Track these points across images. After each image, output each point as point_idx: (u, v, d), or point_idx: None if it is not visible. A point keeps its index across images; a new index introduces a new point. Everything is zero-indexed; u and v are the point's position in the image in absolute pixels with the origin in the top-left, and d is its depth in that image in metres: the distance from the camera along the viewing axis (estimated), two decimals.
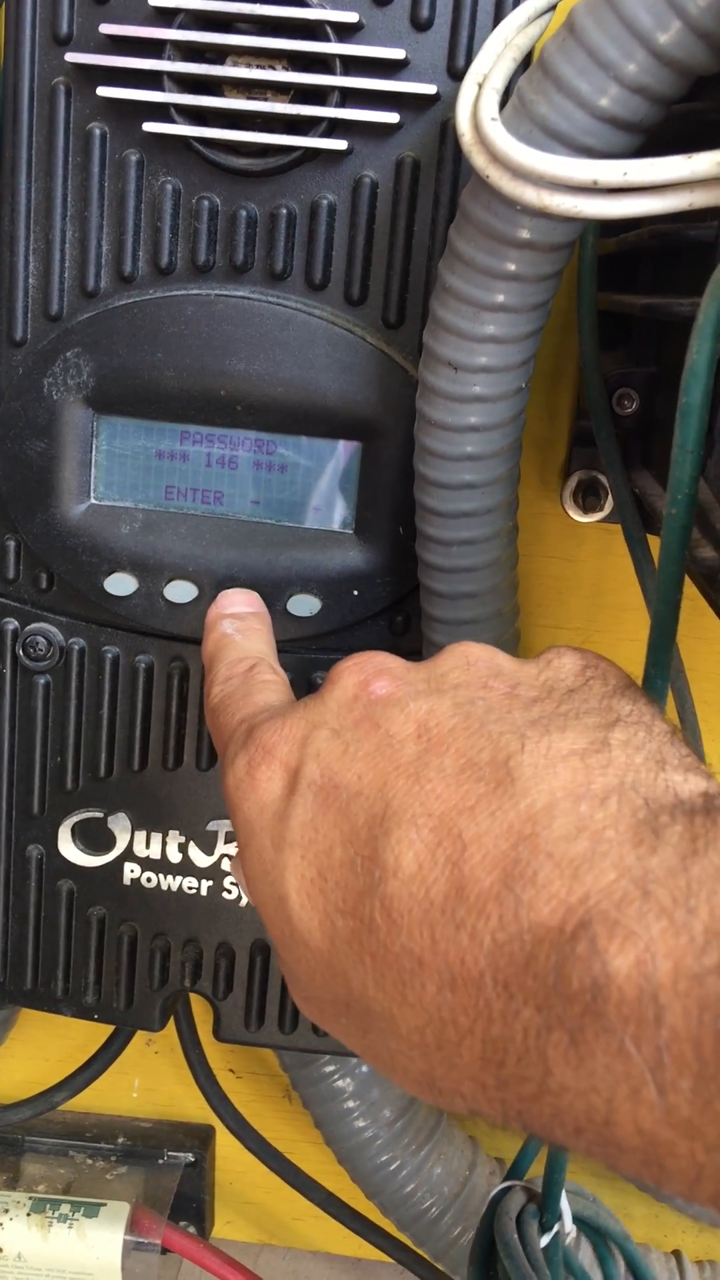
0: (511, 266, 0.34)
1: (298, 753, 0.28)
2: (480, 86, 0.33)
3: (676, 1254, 0.59)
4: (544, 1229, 0.46)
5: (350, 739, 0.27)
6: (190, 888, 0.48)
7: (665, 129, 0.32)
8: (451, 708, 0.27)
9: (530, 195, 0.31)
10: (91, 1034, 0.59)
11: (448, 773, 0.25)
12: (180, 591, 0.44)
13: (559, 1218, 0.46)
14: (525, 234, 0.33)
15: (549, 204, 0.31)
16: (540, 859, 0.22)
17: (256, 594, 0.42)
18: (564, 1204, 0.46)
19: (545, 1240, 0.46)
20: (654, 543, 0.45)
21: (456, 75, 0.40)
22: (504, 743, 0.25)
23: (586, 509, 0.51)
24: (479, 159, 0.32)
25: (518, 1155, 0.49)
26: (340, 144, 0.40)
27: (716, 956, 0.19)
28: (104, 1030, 0.58)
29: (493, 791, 0.24)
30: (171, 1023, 0.56)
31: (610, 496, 0.49)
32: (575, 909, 0.21)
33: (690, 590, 0.34)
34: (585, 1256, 0.51)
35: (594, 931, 0.20)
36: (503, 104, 0.33)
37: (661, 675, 0.33)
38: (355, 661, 0.30)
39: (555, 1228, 0.46)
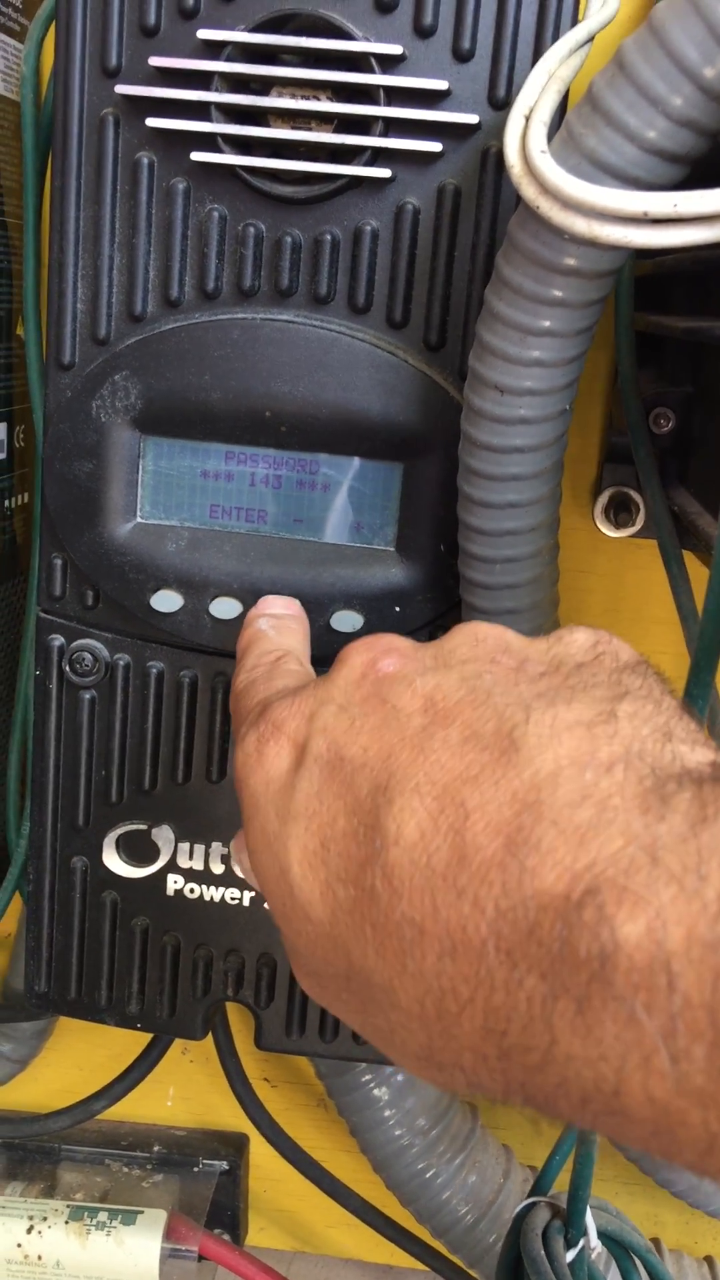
0: (558, 293, 0.35)
1: (305, 728, 0.28)
2: (527, 119, 0.34)
3: (709, 1260, 0.60)
4: (569, 1244, 0.47)
5: (357, 714, 0.27)
6: (233, 898, 0.49)
7: (710, 159, 0.33)
8: (458, 682, 0.26)
9: (580, 226, 0.32)
10: (126, 1044, 0.60)
11: (452, 743, 0.25)
12: (225, 608, 0.45)
13: (584, 1233, 0.47)
14: (572, 261, 0.34)
15: (599, 234, 0.32)
16: (545, 826, 0.22)
17: (297, 601, 0.42)
18: (589, 1219, 0.47)
19: (571, 1256, 0.46)
20: (688, 559, 0.46)
21: (497, 105, 0.41)
22: (509, 714, 0.25)
23: (618, 525, 0.51)
24: (529, 190, 0.33)
25: (542, 1170, 0.50)
26: (384, 172, 0.41)
27: None
28: (139, 1039, 0.58)
29: (497, 760, 0.24)
30: (208, 1033, 0.56)
31: (641, 512, 0.50)
32: (581, 875, 0.21)
33: None
34: (610, 1271, 0.51)
35: (602, 898, 0.20)
36: (549, 135, 0.34)
37: (704, 694, 0.34)
38: (364, 641, 0.30)
39: (581, 1243, 0.47)
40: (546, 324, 0.36)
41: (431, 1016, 0.23)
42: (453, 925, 0.22)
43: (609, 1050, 0.20)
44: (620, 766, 0.22)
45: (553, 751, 0.23)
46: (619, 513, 0.52)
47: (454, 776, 0.24)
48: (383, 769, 0.25)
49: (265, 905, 0.49)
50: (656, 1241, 0.59)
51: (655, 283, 0.45)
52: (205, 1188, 0.63)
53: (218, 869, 0.49)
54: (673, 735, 0.24)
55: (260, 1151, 0.63)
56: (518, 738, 0.24)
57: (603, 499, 0.51)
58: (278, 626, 0.39)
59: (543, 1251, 0.45)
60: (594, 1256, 0.47)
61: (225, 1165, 0.63)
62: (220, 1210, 0.63)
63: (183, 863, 0.49)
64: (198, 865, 0.49)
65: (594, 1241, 0.46)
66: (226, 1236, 0.64)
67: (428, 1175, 0.57)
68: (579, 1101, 0.21)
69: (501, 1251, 0.48)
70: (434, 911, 0.23)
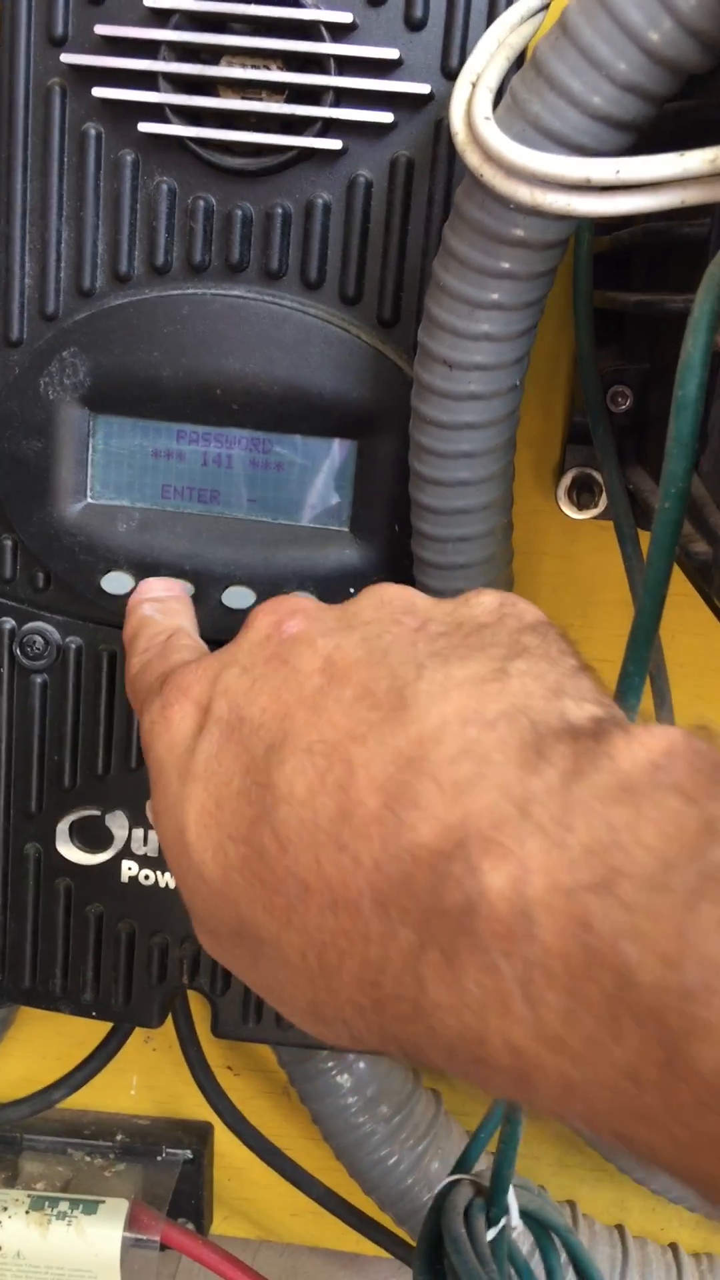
0: (505, 264, 0.34)
1: (208, 690, 0.28)
2: (474, 86, 0.34)
3: (674, 1246, 0.59)
4: (490, 1223, 0.46)
5: (259, 675, 0.27)
6: None
7: (657, 127, 0.32)
8: (358, 642, 0.27)
9: (524, 194, 0.31)
10: (89, 1031, 0.59)
11: (345, 702, 0.25)
12: None
13: (506, 1211, 0.46)
14: (519, 232, 0.33)
15: (542, 202, 0.31)
16: (424, 781, 0.22)
17: (179, 582, 0.41)
18: (511, 1197, 0.46)
19: (492, 1234, 0.46)
20: (646, 539, 0.46)
21: (450, 75, 0.40)
22: (401, 672, 0.25)
23: (581, 506, 0.51)
24: (473, 158, 0.32)
25: (466, 1148, 0.49)
26: (335, 144, 0.40)
27: (591, 873, 0.19)
28: (102, 1028, 0.58)
29: (385, 719, 0.24)
30: (170, 1020, 0.56)
31: (604, 494, 0.50)
32: (454, 829, 0.21)
33: (677, 586, 0.34)
34: (529, 1249, 0.51)
35: (470, 850, 0.21)
36: (496, 103, 0.33)
37: (640, 670, 0.33)
38: (271, 603, 0.30)
39: (502, 1222, 0.46)
40: (494, 296, 0.35)
41: (315, 970, 0.24)
42: (334, 880, 0.23)
43: (471, 999, 0.21)
44: (504, 722, 0.23)
45: (439, 708, 0.23)
46: (581, 494, 0.51)
47: (344, 734, 0.24)
48: (278, 729, 0.25)
49: None
50: (620, 1228, 0.59)
51: (614, 258, 0.44)
52: (169, 1177, 0.62)
53: None
54: (563, 692, 0.24)
55: (224, 1140, 0.63)
56: (408, 695, 0.24)
57: (565, 480, 0.51)
58: (163, 610, 0.38)
59: (464, 1230, 0.45)
60: (514, 1236, 0.47)
61: (189, 1154, 0.63)
62: (184, 1199, 0.63)
63: (137, 849, 0.48)
64: (152, 851, 0.48)
65: (515, 1221, 0.45)
66: (190, 1226, 0.63)
67: (390, 1162, 0.57)
68: (446, 1050, 0.22)
69: (422, 1229, 0.47)
70: (317, 867, 0.23)
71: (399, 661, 0.25)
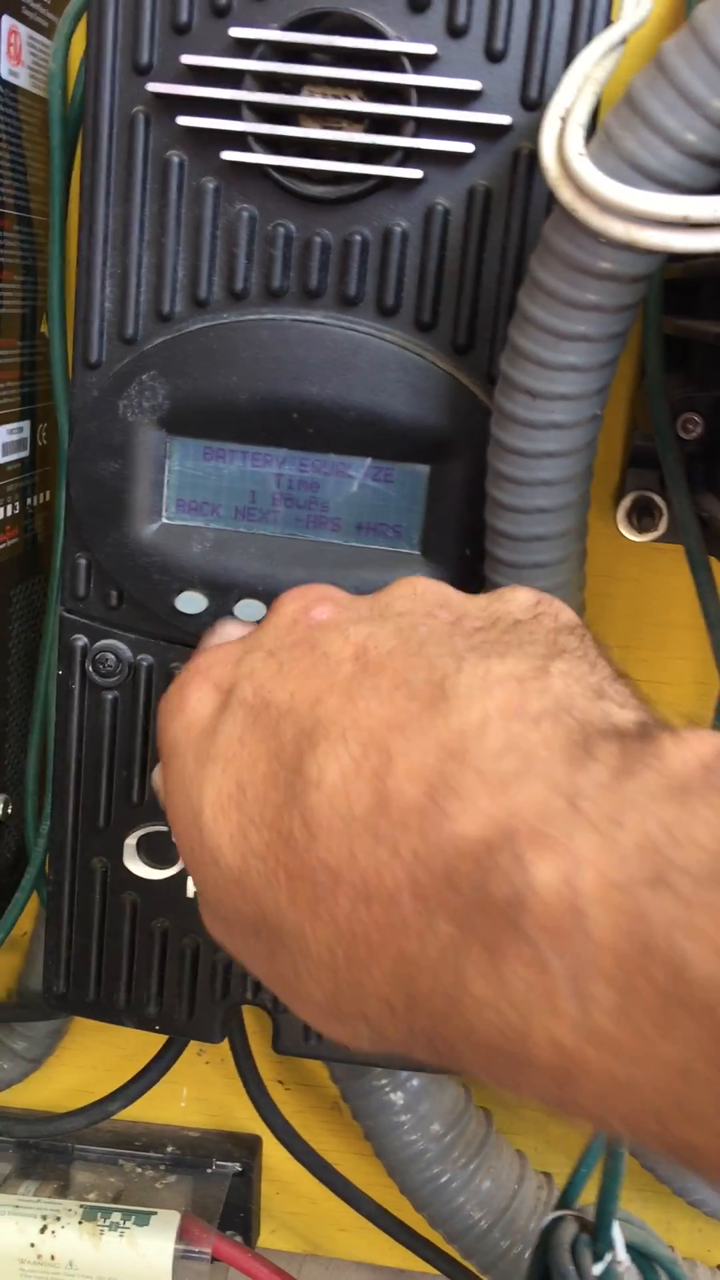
0: (593, 297, 0.35)
1: (231, 673, 0.28)
2: (564, 121, 0.34)
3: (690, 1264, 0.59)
4: (596, 1258, 0.46)
5: (286, 659, 0.27)
6: None
7: None
8: (392, 632, 0.26)
9: (618, 230, 0.32)
10: (140, 1044, 0.59)
11: (381, 690, 0.24)
12: (250, 610, 0.45)
13: (612, 1246, 0.46)
14: (608, 266, 0.34)
15: (638, 238, 0.32)
16: (468, 774, 0.22)
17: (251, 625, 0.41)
18: (615, 1232, 0.47)
19: (599, 1269, 0.46)
20: (716, 566, 0.46)
21: (529, 105, 0.41)
22: (441, 664, 0.24)
23: (641, 529, 0.51)
24: (566, 193, 0.33)
25: (568, 1183, 0.50)
26: (415, 173, 0.41)
27: (645, 869, 0.19)
28: (153, 1039, 0.58)
29: (425, 709, 0.23)
30: None
31: (664, 517, 0.50)
32: (501, 822, 0.21)
33: None
34: None
35: (518, 843, 0.20)
36: (585, 138, 0.34)
37: None
38: (298, 589, 0.29)
39: (608, 1256, 0.46)
40: (580, 329, 0.35)
41: (341, 964, 0.23)
42: (368, 871, 0.22)
43: (516, 995, 0.20)
44: (549, 720, 0.22)
45: (482, 703, 0.23)
46: (641, 517, 0.51)
47: (380, 723, 0.24)
48: (309, 714, 0.25)
49: None
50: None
51: (683, 286, 0.45)
52: (218, 1189, 0.63)
53: None
54: (604, 694, 0.24)
55: (273, 1154, 0.63)
56: (448, 687, 0.24)
57: (625, 503, 0.51)
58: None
59: (572, 1266, 0.45)
60: (621, 1270, 0.47)
61: (238, 1167, 0.63)
62: (232, 1212, 0.63)
63: None
64: None
65: (621, 1255, 0.46)
66: (238, 1238, 0.63)
67: (442, 1180, 0.57)
68: (484, 1050, 0.21)
69: (528, 1266, 0.47)
70: (351, 857, 0.23)
71: (437, 653, 0.25)
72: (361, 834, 0.22)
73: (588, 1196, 0.50)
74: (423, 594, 0.29)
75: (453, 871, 0.21)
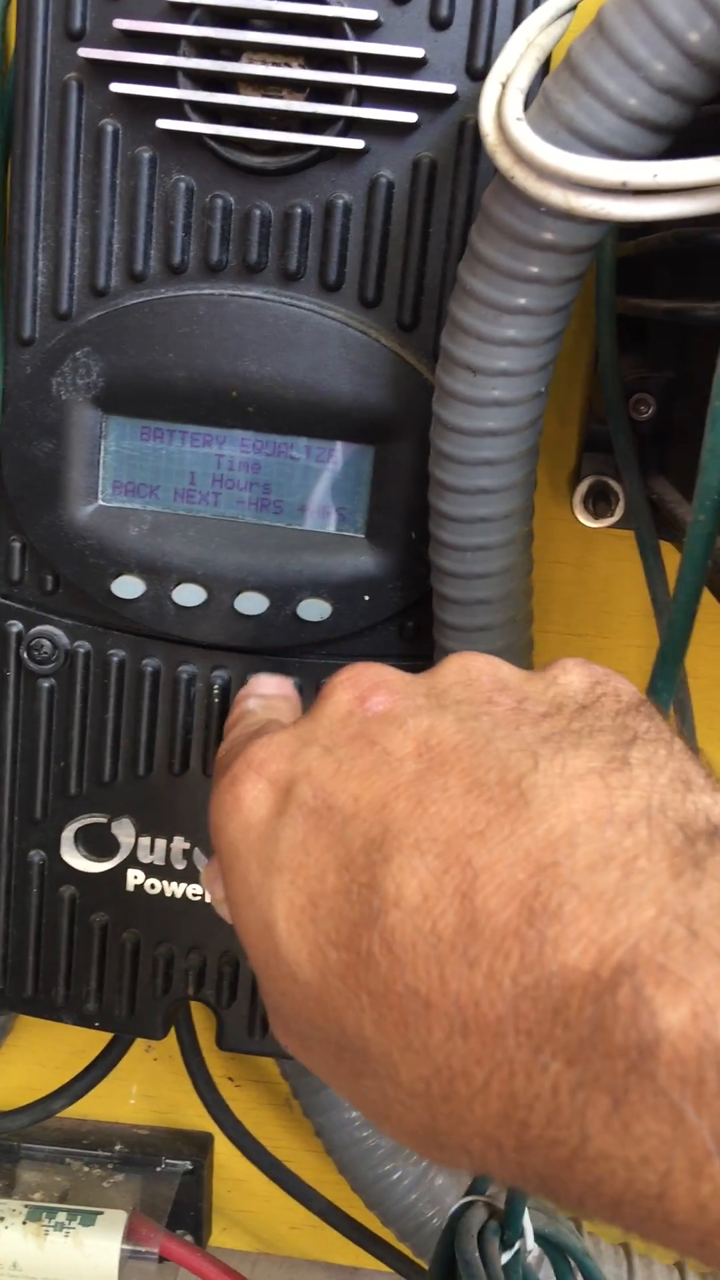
0: (534, 269, 0.33)
1: (288, 769, 0.26)
2: (504, 86, 0.33)
3: (679, 1265, 0.58)
4: (505, 1246, 0.45)
5: (344, 756, 0.25)
6: (195, 894, 0.48)
7: (694, 130, 0.32)
8: (454, 724, 0.25)
9: (556, 197, 0.31)
10: (89, 1041, 0.58)
11: (453, 793, 0.23)
12: (188, 595, 0.43)
13: (521, 1235, 0.45)
14: (549, 236, 0.33)
15: (576, 206, 0.30)
16: (565, 891, 0.20)
17: (290, 681, 0.39)
18: (526, 1221, 0.45)
19: (506, 1258, 0.45)
20: (667, 550, 0.45)
21: (475, 75, 0.39)
22: (514, 761, 0.23)
23: (597, 514, 0.50)
24: (504, 159, 0.32)
25: None
26: (357, 143, 0.40)
27: None
28: (102, 1037, 0.57)
29: (504, 814, 0.22)
30: (171, 1030, 0.55)
31: (621, 502, 0.49)
32: (611, 950, 0.19)
33: (705, 596, 0.33)
34: (544, 1272, 0.50)
35: (638, 978, 0.18)
36: (526, 104, 0.33)
37: (669, 686, 0.32)
38: (349, 675, 0.28)
39: (517, 1245, 0.45)
40: (522, 301, 0.34)
41: (437, 1098, 0.21)
42: (464, 1000, 0.20)
43: (651, 1153, 0.18)
44: (643, 823, 0.21)
45: (566, 805, 0.21)
46: (598, 502, 0.50)
47: (457, 831, 0.22)
48: (376, 820, 0.23)
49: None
50: (626, 1246, 0.58)
51: (638, 264, 0.44)
52: (168, 1188, 0.61)
53: (179, 864, 0.48)
54: (691, 784, 0.22)
55: (224, 1151, 0.62)
56: (526, 789, 0.22)
57: (582, 488, 0.50)
58: (266, 707, 0.36)
59: (477, 1253, 0.44)
60: (530, 1259, 0.46)
61: (188, 1165, 0.62)
62: (183, 1211, 0.62)
63: (143, 857, 0.48)
64: (159, 860, 0.47)
65: (530, 1244, 0.44)
66: (189, 1237, 0.62)
67: (394, 1177, 0.56)
68: (611, 1204, 0.19)
69: (435, 1252, 0.46)
70: (441, 984, 0.21)
71: (506, 749, 0.23)
72: (451, 958, 0.21)
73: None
74: (478, 676, 0.27)
75: (562, 1006, 0.19)
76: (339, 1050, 0.24)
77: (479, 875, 0.21)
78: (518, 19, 0.39)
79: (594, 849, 0.20)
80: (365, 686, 0.27)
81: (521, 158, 0.31)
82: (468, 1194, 0.46)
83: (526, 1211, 0.44)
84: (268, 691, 0.37)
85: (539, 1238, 0.45)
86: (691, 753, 0.24)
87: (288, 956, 0.24)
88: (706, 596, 0.43)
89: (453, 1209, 0.45)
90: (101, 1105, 0.62)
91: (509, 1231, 0.44)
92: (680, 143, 0.32)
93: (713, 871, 0.19)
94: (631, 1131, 0.18)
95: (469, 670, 0.27)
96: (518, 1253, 0.44)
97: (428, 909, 0.21)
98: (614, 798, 0.21)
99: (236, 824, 0.27)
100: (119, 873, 0.48)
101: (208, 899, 0.48)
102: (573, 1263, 0.46)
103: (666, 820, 0.21)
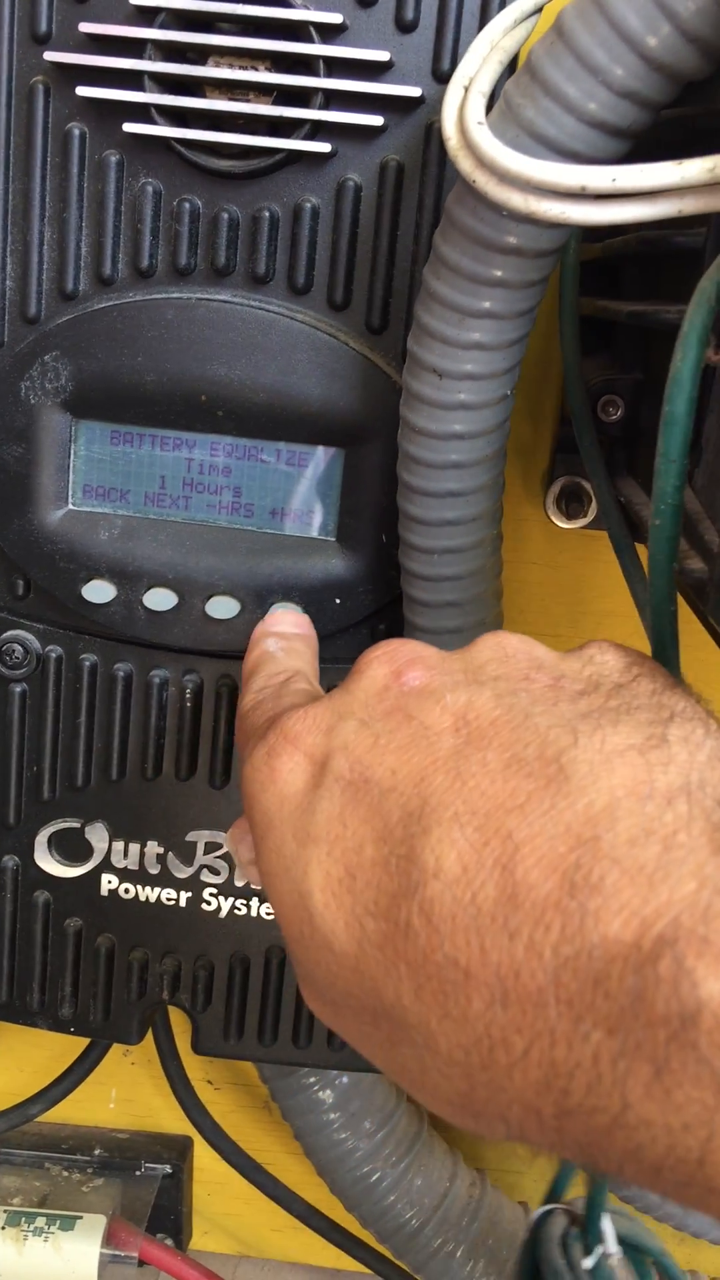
0: (498, 273, 0.33)
1: (324, 743, 0.26)
2: (466, 90, 0.33)
3: (693, 1274, 0.59)
4: (587, 1251, 0.45)
5: (381, 730, 0.25)
6: (169, 899, 0.48)
7: (653, 134, 0.32)
8: (493, 699, 0.25)
9: (517, 201, 0.31)
10: (68, 1045, 0.58)
11: (492, 768, 0.23)
12: (159, 599, 0.43)
13: (602, 1238, 0.46)
14: (512, 240, 0.33)
15: (536, 210, 0.30)
16: (605, 864, 0.20)
17: (306, 617, 0.39)
18: (605, 1224, 0.46)
19: (590, 1263, 0.45)
20: (641, 550, 0.45)
21: (441, 78, 0.39)
22: (553, 736, 0.23)
23: (570, 515, 0.50)
24: (465, 163, 0.32)
25: (555, 1176, 0.49)
26: (323, 146, 0.40)
27: None
28: (80, 1041, 0.57)
29: (544, 789, 0.22)
30: (149, 1034, 0.55)
31: (594, 503, 0.49)
32: (652, 922, 0.19)
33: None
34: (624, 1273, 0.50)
35: (679, 949, 0.19)
36: (489, 108, 0.33)
37: None
38: (385, 650, 0.28)
39: (599, 1249, 0.45)
40: (486, 305, 0.34)
41: (476, 1066, 0.22)
42: (504, 970, 0.21)
43: (693, 1119, 0.18)
44: (683, 798, 0.21)
45: (606, 780, 0.22)
46: (571, 503, 0.50)
47: (497, 805, 0.22)
48: (415, 794, 0.23)
49: (204, 907, 0.48)
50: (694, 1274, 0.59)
51: (603, 266, 0.44)
52: (147, 1192, 0.61)
53: (153, 868, 0.47)
54: None
55: (204, 1155, 0.62)
56: (565, 764, 0.22)
57: (554, 489, 0.50)
58: (286, 648, 0.36)
59: (563, 1260, 0.44)
60: (613, 1262, 0.46)
61: (168, 1169, 0.62)
62: (163, 1214, 0.62)
63: (117, 862, 0.47)
64: (132, 864, 0.47)
65: (612, 1247, 0.45)
66: (169, 1241, 0.62)
67: (372, 1179, 0.56)
68: (652, 1169, 0.20)
69: (519, 1260, 0.46)
70: (482, 954, 0.21)
71: (546, 724, 0.23)
72: (491, 929, 0.21)
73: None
74: (514, 655, 0.27)
75: (603, 976, 0.20)
76: (375, 1019, 0.24)
77: (519, 848, 0.21)
78: (483, 21, 0.39)
79: (634, 823, 0.21)
80: (401, 661, 0.27)
81: (483, 162, 0.31)
82: (546, 1201, 0.46)
83: (605, 1216, 0.44)
84: (285, 630, 0.37)
85: (620, 1240, 0.46)
86: None
87: (323, 926, 0.24)
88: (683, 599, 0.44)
89: (533, 1216, 0.46)
90: (80, 1109, 0.62)
91: (590, 1236, 0.44)
92: (641, 147, 0.32)
93: None
94: (673, 1099, 0.19)
95: (504, 647, 0.27)
96: (601, 1257, 0.44)
97: (468, 880, 0.22)
98: (653, 774, 0.22)
99: (272, 795, 0.27)
100: (93, 877, 0.48)
101: (182, 903, 0.48)
102: (652, 1265, 0.47)
103: (706, 796, 0.21)
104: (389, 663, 0.27)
